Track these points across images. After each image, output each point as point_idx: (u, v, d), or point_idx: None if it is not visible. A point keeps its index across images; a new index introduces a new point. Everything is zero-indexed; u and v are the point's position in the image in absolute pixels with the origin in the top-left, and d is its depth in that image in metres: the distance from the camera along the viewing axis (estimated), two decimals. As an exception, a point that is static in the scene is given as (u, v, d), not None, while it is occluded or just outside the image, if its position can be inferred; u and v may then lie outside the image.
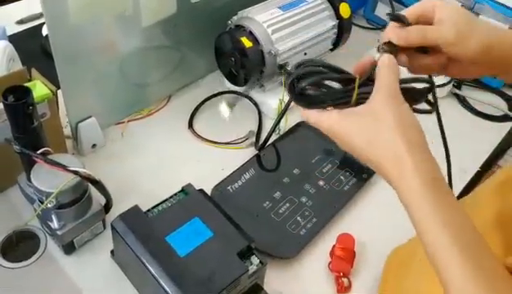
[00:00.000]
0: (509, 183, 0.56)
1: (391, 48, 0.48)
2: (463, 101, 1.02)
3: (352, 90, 0.47)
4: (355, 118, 0.45)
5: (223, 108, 0.51)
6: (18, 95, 0.59)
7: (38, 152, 0.62)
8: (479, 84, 1.05)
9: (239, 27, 0.87)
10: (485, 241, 0.40)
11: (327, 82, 0.48)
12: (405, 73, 0.50)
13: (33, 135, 0.63)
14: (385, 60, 0.47)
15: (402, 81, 0.47)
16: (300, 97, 0.49)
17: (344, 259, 0.69)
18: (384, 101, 0.44)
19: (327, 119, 0.46)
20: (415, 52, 0.50)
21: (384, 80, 0.45)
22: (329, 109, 0.48)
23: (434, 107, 0.50)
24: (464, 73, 0.52)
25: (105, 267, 0.67)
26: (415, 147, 0.42)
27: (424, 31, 0.48)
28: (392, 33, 0.48)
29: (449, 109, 1.00)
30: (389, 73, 0.45)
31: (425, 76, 0.52)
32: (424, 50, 0.51)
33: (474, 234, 0.40)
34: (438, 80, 0.99)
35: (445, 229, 0.39)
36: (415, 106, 0.49)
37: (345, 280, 0.69)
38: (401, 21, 0.49)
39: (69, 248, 0.68)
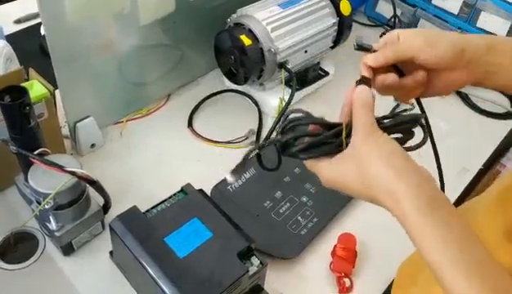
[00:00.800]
0: None
1: (364, 79, 0.49)
2: (465, 99, 1.01)
3: (340, 142, 0.47)
4: (343, 167, 0.46)
5: (228, 177, 0.53)
6: (14, 96, 0.59)
7: (35, 152, 0.62)
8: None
9: (238, 25, 0.86)
10: (489, 252, 0.39)
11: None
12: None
13: (30, 136, 0.62)
14: (358, 94, 0.47)
15: (386, 117, 0.48)
16: (292, 157, 0.50)
17: (346, 259, 0.69)
18: (363, 141, 0.44)
19: (321, 175, 0.48)
20: (392, 77, 0.50)
21: (359, 119, 0.45)
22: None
23: (427, 135, 0.49)
24: (448, 85, 0.51)
25: (103, 268, 0.67)
26: (402, 173, 0.42)
27: (394, 46, 0.49)
28: (367, 59, 0.49)
29: (451, 106, 0.99)
30: (362, 108, 0.45)
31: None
32: (400, 71, 0.51)
33: (477, 247, 0.39)
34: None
35: (447, 246, 0.39)
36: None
37: (347, 280, 0.68)
38: (366, 49, 0.51)
39: (68, 249, 0.67)
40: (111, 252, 0.67)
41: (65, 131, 0.81)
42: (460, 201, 0.83)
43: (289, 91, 0.84)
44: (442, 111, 0.89)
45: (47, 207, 0.61)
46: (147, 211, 0.63)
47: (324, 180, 0.48)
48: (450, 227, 0.40)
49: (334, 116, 0.90)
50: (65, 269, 0.66)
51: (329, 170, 0.47)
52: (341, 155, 0.46)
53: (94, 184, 0.62)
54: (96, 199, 0.68)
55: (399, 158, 0.43)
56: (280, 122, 0.51)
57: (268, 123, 0.88)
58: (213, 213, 0.64)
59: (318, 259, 0.70)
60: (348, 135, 0.46)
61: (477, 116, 0.98)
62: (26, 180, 0.63)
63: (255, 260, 0.60)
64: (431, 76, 0.50)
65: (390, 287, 0.68)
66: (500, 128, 0.96)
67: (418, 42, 0.48)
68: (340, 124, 0.47)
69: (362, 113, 0.45)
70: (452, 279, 0.38)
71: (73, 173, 0.60)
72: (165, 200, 0.65)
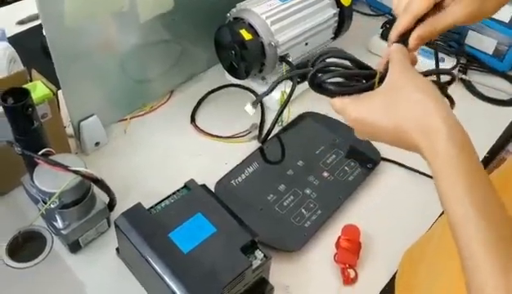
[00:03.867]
0: None
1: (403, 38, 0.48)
2: (469, 86, 1.00)
3: (372, 85, 0.46)
4: (374, 102, 0.44)
5: (248, 108, 0.52)
6: (17, 97, 0.59)
7: (40, 153, 0.62)
8: (485, 68, 1.03)
9: (238, 19, 0.86)
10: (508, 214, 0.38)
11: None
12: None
13: (33, 137, 0.63)
14: (395, 48, 0.46)
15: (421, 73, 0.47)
16: (320, 89, 0.48)
17: (350, 250, 0.69)
18: (400, 74, 0.43)
19: (348, 113, 0.46)
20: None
21: (396, 58, 0.44)
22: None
23: (453, 103, 0.49)
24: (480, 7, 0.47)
25: (110, 264, 0.68)
26: (439, 108, 0.40)
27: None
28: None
29: (454, 94, 0.98)
30: (401, 54, 0.45)
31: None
32: None
33: (498, 204, 0.38)
34: (443, 65, 0.98)
35: (475, 195, 0.37)
36: None
37: (351, 271, 0.68)
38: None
39: (75, 247, 0.68)
40: (117, 249, 0.68)
41: (70, 130, 0.81)
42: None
43: (291, 83, 0.84)
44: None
45: (52, 206, 0.62)
46: (151, 207, 0.64)
47: (351, 119, 0.46)
48: (480, 175, 0.38)
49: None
50: (73, 266, 0.67)
51: (357, 106, 0.45)
52: (372, 92, 0.45)
53: (98, 182, 0.63)
54: (102, 197, 0.69)
55: (436, 94, 0.41)
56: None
57: (271, 117, 0.88)
58: (216, 208, 0.64)
59: (322, 251, 0.71)
60: (381, 81, 0.45)
61: (481, 103, 0.98)
62: (32, 180, 0.64)
63: (259, 254, 0.61)
64: None
65: (394, 277, 0.69)
66: (505, 115, 0.95)
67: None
68: (374, 70, 0.47)
69: (399, 56, 0.44)
70: (477, 232, 0.36)
71: (77, 172, 0.61)
72: (169, 196, 0.65)
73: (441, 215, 0.69)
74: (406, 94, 0.42)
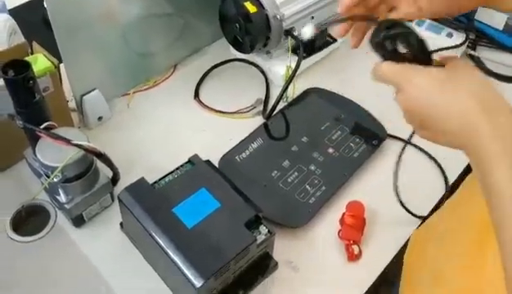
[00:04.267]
0: None
1: None
2: (477, 62, 0.98)
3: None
4: (432, 73, 0.43)
5: (307, 28, 0.49)
6: (18, 70, 0.58)
7: (42, 126, 0.62)
8: (495, 44, 1.01)
9: (243, -9, 0.84)
10: None
11: None
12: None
13: (35, 110, 0.62)
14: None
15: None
16: (380, 46, 0.46)
17: (354, 226, 0.69)
18: (462, 65, 0.43)
19: (404, 85, 0.44)
20: None
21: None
22: None
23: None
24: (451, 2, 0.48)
25: (114, 239, 0.68)
26: (492, 111, 0.39)
27: None
28: None
29: (463, 70, 0.96)
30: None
31: None
32: None
33: None
34: (452, 41, 0.96)
35: None
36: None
37: (355, 247, 0.68)
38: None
39: (79, 221, 0.68)
40: (121, 223, 0.68)
41: (72, 104, 0.81)
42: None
43: (297, 58, 0.82)
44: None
45: (55, 180, 0.62)
46: (155, 182, 0.63)
47: (405, 95, 0.44)
48: None
49: (344, 83, 0.89)
50: (77, 240, 0.67)
51: (414, 70, 0.43)
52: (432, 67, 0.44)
53: (101, 156, 0.62)
54: (105, 172, 0.68)
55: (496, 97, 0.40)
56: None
57: (275, 92, 0.87)
58: (220, 183, 0.64)
59: (327, 227, 0.71)
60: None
61: (490, 80, 0.96)
62: (34, 154, 0.64)
63: (263, 229, 0.61)
64: None
65: (399, 254, 0.69)
66: (514, 92, 0.93)
67: None
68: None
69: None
70: None
71: (79, 146, 0.60)
72: (173, 171, 0.65)
73: (448, 197, 0.68)
74: (469, 77, 0.41)
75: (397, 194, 0.69)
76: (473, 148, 0.40)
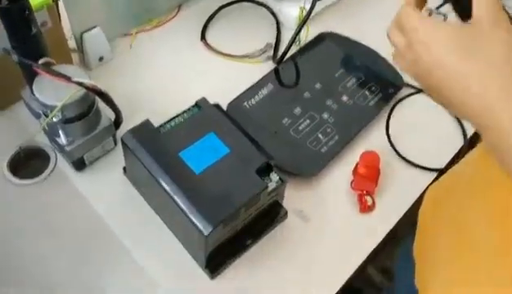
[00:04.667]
0: None
1: None
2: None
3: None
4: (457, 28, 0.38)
5: None
6: (12, 0, 0.53)
7: (39, 62, 0.57)
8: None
9: None
10: None
11: None
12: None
13: (32, 44, 0.57)
14: None
15: None
16: None
17: (368, 177, 0.66)
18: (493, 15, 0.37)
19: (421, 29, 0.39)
20: None
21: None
22: None
23: None
24: None
25: (117, 184, 0.65)
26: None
27: None
28: None
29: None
30: None
31: None
32: None
33: None
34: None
35: None
36: None
37: (368, 198, 0.65)
38: None
39: (80, 165, 0.65)
40: (124, 168, 0.65)
41: (72, 44, 0.76)
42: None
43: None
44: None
45: (54, 120, 0.58)
46: (160, 126, 0.60)
47: (420, 34, 0.39)
48: None
49: (359, 29, 0.84)
50: (78, 184, 0.65)
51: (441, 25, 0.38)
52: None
53: (103, 96, 0.58)
54: (107, 114, 0.64)
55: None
56: None
57: (287, 36, 0.82)
58: (229, 128, 0.60)
59: (339, 177, 0.68)
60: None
61: None
62: (32, 92, 0.60)
63: (274, 177, 0.58)
64: None
65: (413, 207, 0.66)
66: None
67: None
68: None
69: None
70: None
71: (80, 84, 0.56)
72: (179, 115, 0.61)
73: (467, 151, 0.65)
74: (495, 40, 0.36)
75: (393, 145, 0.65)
76: (489, 132, 0.35)
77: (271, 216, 0.61)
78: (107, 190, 0.64)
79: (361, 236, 0.63)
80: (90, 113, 0.61)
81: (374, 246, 0.63)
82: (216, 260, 0.58)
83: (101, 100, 0.60)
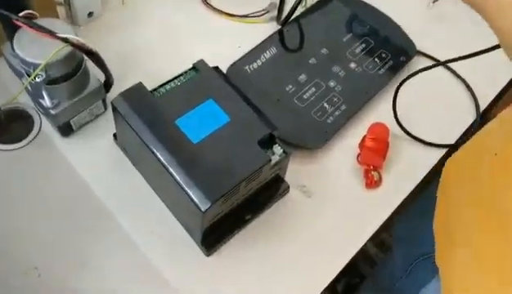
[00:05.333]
0: None
1: None
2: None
3: None
4: None
5: None
6: None
7: (20, 14, 0.51)
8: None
9: None
10: None
11: None
12: None
13: (11, -7, 0.51)
14: None
15: None
16: None
17: (375, 151, 0.61)
18: None
19: None
20: None
21: None
22: None
23: None
24: None
25: (106, 151, 0.60)
26: None
27: None
28: None
29: None
30: None
31: None
32: None
33: None
34: None
35: None
36: None
37: (375, 174, 0.62)
38: None
39: (66, 130, 0.60)
40: (115, 135, 0.60)
41: (58, -4, 0.69)
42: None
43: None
44: None
45: (38, 80, 0.53)
46: (155, 89, 0.55)
47: None
48: None
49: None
50: (64, 151, 0.60)
51: None
52: None
53: (92, 54, 0.53)
54: (97, 75, 0.59)
55: None
56: None
57: (292, -5, 0.76)
58: (230, 94, 0.55)
59: (345, 150, 0.63)
60: None
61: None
62: (13, 48, 0.54)
63: (277, 149, 0.53)
64: None
65: (421, 183, 0.63)
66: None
67: None
68: None
69: None
70: None
71: (66, 40, 0.50)
72: (175, 78, 0.56)
73: (478, 128, 0.60)
74: None
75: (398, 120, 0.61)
76: None
77: (271, 190, 0.57)
78: (96, 158, 0.60)
79: (365, 213, 0.60)
80: (77, 74, 0.55)
81: (379, 223, 0.60)
82: (212, 236, 0.54)
83: (89, 60, 0.54)
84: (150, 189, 0.58)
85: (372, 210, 0.60)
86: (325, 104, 0.65)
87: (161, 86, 0.55)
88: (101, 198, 0.57)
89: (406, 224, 0.83)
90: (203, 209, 0.47)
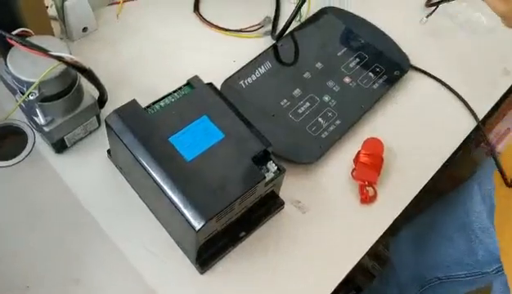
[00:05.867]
0: None
1: None
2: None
3: None
4: None
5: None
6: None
7: (14, 32, 0.51)
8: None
9: None
10: None
11: None
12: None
13: (5, 10, 0.51)
14: None
15: None
16: None
17: (370, 166, 0.62)
18: None
19: None
20: None
21: None
22: None
23: None
24: None
25: (101, 168, 0.60)
26: None
27: None
28: None
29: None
30: None
31: None
32: None
33: None
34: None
35: None
36: None
37: (370, 189, 0.61)
38: None
39: (60, 147, 0.59)
40: (109, 151, 0.60)
41: (53, 12, 0.69)
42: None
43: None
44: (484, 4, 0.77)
45: (31, 97, 0.52)
46: (148, 106, 0.55)
47: None
48: None
49: (364, 4, 0.77)
50: (58, 168, 0.59)
51: None
52: None
53: (85, 72, 0.53)
54: (91, 91, 0.59)
55: None
56: None
57: (287, 9, 0.76)
58: (224, 111, 0.55)
59: (339, 166, 0.63)
60: None
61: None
62: (7, 65, 0.54)
63: (272, 166, 0.53)
64: None
65: (415, 199, 0.63)
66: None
67: None
68: None
69: None
70: None
71: (60, 58, 0.50)
72: (169, 94, 0.56)
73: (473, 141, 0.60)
74: None
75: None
76: None
77: (266, 206, 0.57)
78: (90, 174, 0.59)
79: (361, 229, 0.60)
80: (71, 91, 0.55)
81: (375, 238, 0.59)
82: (206, 254, 0.54)
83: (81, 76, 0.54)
84: (144, 206, 0.58)
85: (368, 225, 0.60)
86: (320, 119, 0.65)
87: (155, 102, 0.55)
88: (95, 216, 0.56)
89: (407, 245, 0.83)
90: (196, 228, 0.47)
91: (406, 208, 0.62)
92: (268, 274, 0.55)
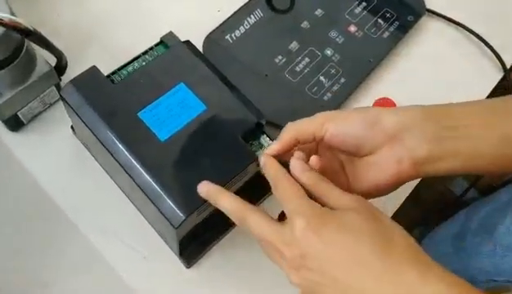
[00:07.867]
0: None
1: None
2: None
3: None
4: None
5: None
6: None
7: None
8: None
9: None
10: None
11: None
12: None
13: None
14: None
15: None
16: None
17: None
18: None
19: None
20: None
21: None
22: None
23: None
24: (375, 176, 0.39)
25: (65, 146, 0.51)
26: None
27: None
28: None
29: None
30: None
31: None
32: None
33: None
34: None
35: None
36: None
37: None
38: None
39: (15, 124, 0.50)
40: (72, 127, 0.51)
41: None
42: None
43: None
44: None
45: (-33, 68, 0.43)
46: (113, 73, 0.45)
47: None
48: None
49: None
50: (14, 148, 0.50)
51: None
52: None
53: (30, 35, 0.43)
54: (46, 56, 0.49)
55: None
56: None
57: None
58: (206, 76, 0.46)
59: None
60: None
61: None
62: None
63: (265, 140, 0.44)
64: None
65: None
66: None
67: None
68: None
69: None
70: None
71: (-5, 20, 0.40)
72: (138, 57, 0.46)
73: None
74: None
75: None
76: None
77: (255, 189, 0.48)
78: (52, 155, 0.51)
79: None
80: (18, 58, 0.45)
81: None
82: (192, 247, 0.46)
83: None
84: (119, 190, 0.49)
85: (377, 204, 0.52)
86: (322, 78, 0.55)
87: (121, 68, 0.45)
88: (61, 204, 0.48)
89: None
90: (175, 225, 0.38)
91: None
92: (260, 264, 0.47)
